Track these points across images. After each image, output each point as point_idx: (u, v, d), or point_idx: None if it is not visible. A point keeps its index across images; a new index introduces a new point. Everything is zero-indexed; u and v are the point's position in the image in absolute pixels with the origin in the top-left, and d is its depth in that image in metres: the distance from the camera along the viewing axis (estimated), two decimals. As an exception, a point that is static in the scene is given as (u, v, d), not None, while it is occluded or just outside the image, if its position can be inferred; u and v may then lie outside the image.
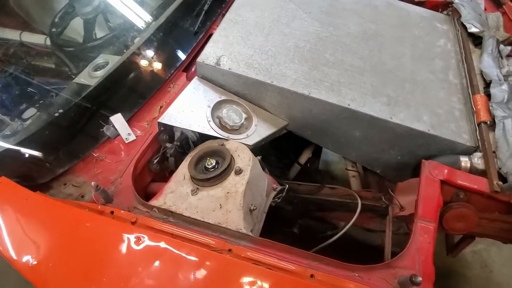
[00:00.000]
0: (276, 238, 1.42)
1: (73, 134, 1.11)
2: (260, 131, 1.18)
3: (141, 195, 1.00)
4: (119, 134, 1.11)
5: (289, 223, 1.48)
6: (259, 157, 1.14)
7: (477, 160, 1.05)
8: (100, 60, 1.37)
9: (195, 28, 1.44)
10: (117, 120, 1.11)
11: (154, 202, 0.93)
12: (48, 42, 1.64)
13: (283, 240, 1.42)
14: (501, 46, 1.46)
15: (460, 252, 1.42)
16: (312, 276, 0.76)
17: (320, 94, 1.15)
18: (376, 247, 1.44)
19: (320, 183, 1.44)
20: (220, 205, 0.89)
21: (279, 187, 1.16)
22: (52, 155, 1.05)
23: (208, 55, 1.20)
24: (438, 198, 0.95)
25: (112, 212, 0.89)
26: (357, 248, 1.46)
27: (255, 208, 0.92)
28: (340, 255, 0.99)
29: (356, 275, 0.79)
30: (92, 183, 0.88)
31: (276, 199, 1.17)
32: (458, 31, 1.51)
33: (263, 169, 1.17)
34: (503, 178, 0.98)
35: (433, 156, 1.15)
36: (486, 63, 1.28)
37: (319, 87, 1.17)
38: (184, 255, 0.78)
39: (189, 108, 1.11)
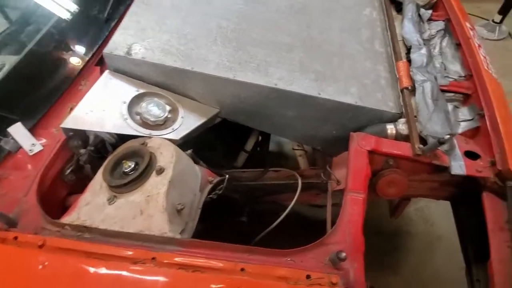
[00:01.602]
0: (225, 229, 1.39)
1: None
2: (188, 123, 1.10)
3: (55, 211, 0.89)
4: (21, 146, 0.96)
5: (238, 212, 1.45)
6: (189, 151, 1.07)
7: (402, 126, 1.08)
8: (-6, 62, 1.17)
9: (105, 15, 1.28)
10: (17, 131, 0.96)
11: (66, 219, 0.83)
12: None
13: (231, 231, 1.40)
14: (422, 10, 1.49)
15: (401, 213, 1.50)
16: (242, 269, 0.73)
17: (246, 76, 1.09)
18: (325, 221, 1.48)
19: (271, 166, 1.41)
20: (141, 210, 0.81)
21: (217, 179, 1.10)
22: None
23: (117, 44, 1.07)
24: (366, 168, 0.96)
25: (16, 238, 0.77)
26: (308, 225, 1.49)
27: (183, 207, 0.85)
28: (290, 235, 0.97)
29: (289, 259, 0.77)
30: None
31: (217, 191, 1.12)
32: (382, -1, 1.52)
33: (197, 163, 1.10)
34: (424, 141, 1.01)
35: (364, 127, 1.16)
36: (407, 28, 1.31)
37: (244, 69, 1.11)
38: (99, 271, 0.70)
39: (100, 107, 0.99)
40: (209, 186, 1.06)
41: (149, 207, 0.81)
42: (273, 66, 1.14)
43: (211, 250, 0.77)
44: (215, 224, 1.36)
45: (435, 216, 1.96)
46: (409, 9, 1.36)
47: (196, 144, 1.33)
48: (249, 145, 1.55)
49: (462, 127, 1.17)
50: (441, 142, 0.94)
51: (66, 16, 1.32)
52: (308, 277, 0.73)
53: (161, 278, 0.71)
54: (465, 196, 1.15)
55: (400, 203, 1.42)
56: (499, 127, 1.05)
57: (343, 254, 0.71)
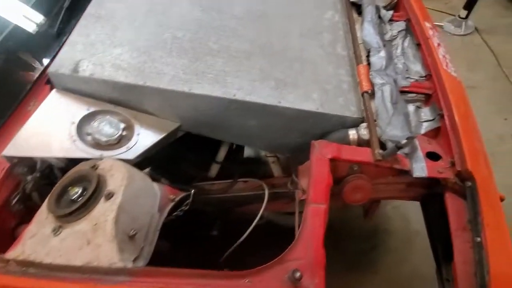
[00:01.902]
0: (195, 244, 1.35)
1: None
2: (144, 140, 1.05)
3: (5, 244, 0.83)
4: (-40, 177, 0.89)
5: (208, 226, 1.42)
6: (147, 170, 1.03)
7: (363, 130, 1.07)
8: None
9: (55, 29, 1.22)
10: (-46, 160, 0.89)
11: (10, 254, 0.77)
12: None
13: (202, 246, 1.36)
14: (383, 11, 1.50)
15: (373, 215, 1.51)
16: (197, 296, 0.70)
17: (203, 88, 1.05)
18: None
19: (240, 177, 1.38)
20: (88, 241, 0.76)
21: (180, 196, 1.06)
22: None
23: (63, 61, 1.01)
24: (327, 178, 0.95)
25: (-50, 280, 0.71)
26: (283, 233, 1.47)
27: (135, 232, 0.81)
28: (265, 245, 0.94)
29: (247, 281, 0.74)
30: None
31: (183, 207, 1.09)
32: (344, 1, 1.52)
33: (157, 180, 1.06)
34: (384, 146, 1.01)
35: (329, 132, 1.15)
36: (367, 31, 1.30)
37: (201, 80, 1.07)
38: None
39: (46, 130, 0.93)
40: (170, 205, 1.02)
41: (97, 236, 0.77)
42: (231, 75, 1.11)
43: (164, 277, 0.74)
44: (184, 241, 1.33)
45: (412, 213, 1.98)
46: (369, 12, 1.36)
47: (165, 157, 1.30)
48: (221, 155, 1.51)
49: (425, 127, 1.17)
50: (399, 147, 0.93)
51: (32, 28, 1.25)
52: (266, 299, 0.70)
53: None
54: (432, 196, 1.15)
55: (371, 205, 1.42)
56: (458, 127, 1.06)
57: (298, 274, 0.69)
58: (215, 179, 1.46)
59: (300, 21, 1.39)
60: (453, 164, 1.01)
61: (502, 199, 1.07)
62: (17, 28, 1.17)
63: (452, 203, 0.99)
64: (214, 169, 1.53)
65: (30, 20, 1.26)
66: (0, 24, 1.23)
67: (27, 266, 0.75)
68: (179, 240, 1.24)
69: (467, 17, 2.88)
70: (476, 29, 2.94)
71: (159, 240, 0.95)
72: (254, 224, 1.07)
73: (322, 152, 0.99)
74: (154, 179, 1.04)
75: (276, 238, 1.12)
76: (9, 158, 0.88)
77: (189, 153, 1.50)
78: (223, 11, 1.31)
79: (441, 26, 3.02)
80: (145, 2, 1.25)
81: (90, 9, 1.17)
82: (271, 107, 1.08)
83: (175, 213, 1.07)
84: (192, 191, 1.12)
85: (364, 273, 1.83)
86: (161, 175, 1.14)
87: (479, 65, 2.67)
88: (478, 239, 0.87)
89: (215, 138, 1.26)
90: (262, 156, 1.52)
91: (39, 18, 1.27)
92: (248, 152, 1.74)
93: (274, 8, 1.40)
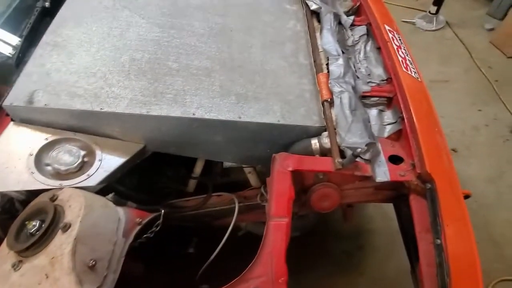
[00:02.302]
0: (171, 263, 1.34)
1: None
2: (107, 165, 1.05)
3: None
4: None
5: (185, 244, 1.41)
6: (110, 195, 1.02)
7: (325, 139, 1.08)
8: None
9: (14, 60, 1.22)
10: None
11: (-35, 296, 0.76)
12: None
13: (179, 264, 1.35)
14: (344, 17, 1.52)
15: (351, 218, 1.52)
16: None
17: (161, 110, 1.05)
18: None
19: (214, 191, 1.38)
20: (46, 275, 0.76)
21: (148, 218, 1.06)
22: None
23: (18, 93, 1.00)
24: (289, 191, 0.95)
25: None
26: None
27: (94, 262, 0.80)
28: (246, 255, 0.92)
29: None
30: None
31: (155, 228, 1.08)
32: (305, 10, 1.54)
33: (123, 204, 1.05)
34: (344, 154, 1.02)
35: (296, 141, 1.16)
36: (326, 39, 1.32)
37: (160, 101, 1.08)
38: None
39: (3, 164, 0.92)
40: (137, 228, 1.01)
41: (55, 270, 0.76)
42: (190, 94, 1.12)
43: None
44: (160, 261, 1.32)
45: (393, 211, 2.00)
46: (327, 19, 1.38)
47: (138, 176, 1.29)
48: (197, 170, 1.51)
49: (388, 130, 1.19)
50: (355, 155, 0.95)
51: (8, 51, 1.24)
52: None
53: None
54: (402, 197, 1.16)
55: (346, 210, 1.43)
56: (416, 128, 1.07)
57: (253, 294, 0.69)
58: (194, 193, 1.46)
59: (262, 33, 1.41)
60: (413, 167, 1.03)
61: (467, 196, 1.09)
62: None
63: (416, 205, 1.01)
64: (192, 184, 1.53)
65: (8, 45, 1.24)
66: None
67: (-16, 307, 0.74)
68: (154, 261, 1.23)
69: (437, 12, 2.94)
70: (447, 23, 3.00)
71: (132, 263, 0.94)
72: (225, 239, 1.07)
73: (283, 164, 1.00)
74: (119, 203, 1.03)
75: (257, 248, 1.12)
76: (-35, 196, 0.87)
77: (166, 169, 1.50)
78: (183, 28, 1.32)
79: (413, 23, 3.08)
80: (102, 25, 1.25)
81: (46, 38, 1.17)
82: (232, 122, 1.08)
83: (145, 235, 1.06)
84: (162, 211, 1.11)
85: (351, 275, 1.84)
86: (130, 197, 1.13)
87: (452, 58, 2.73)
88: (438, 241, 0.88)
89: (184, 155, 1.26)
90: (241, 166, 1.53)
91: (17, 41, 1.25)
92: (227, 163, 1.74)
93: (235, 22, 1.41)
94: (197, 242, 1.39)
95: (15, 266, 0.78)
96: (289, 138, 1.16)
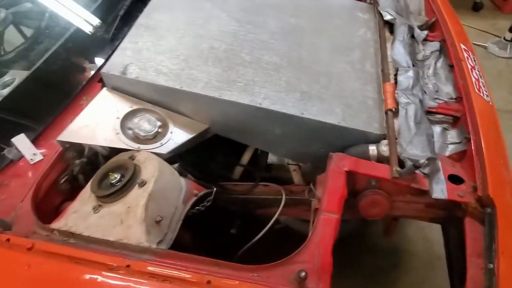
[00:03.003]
0: (214, 239, 1.43)
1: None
2: (177, 137, 1.16)
3: (50, 217, 0.97)
4: (23, 156, 1.05)
5: (229, 224, 1.49)
6: (176, 165, 1.13)
7: (384, 147, 1.08)
8: (7, 77, 1.29)
9: (110, 35, 1.39)
10: (20, 141, 1.06)
11: (55, 225, 0.90)
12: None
13: (220, 241, 1.43)
14: (417, 31, 1.50)
15: (392, 233, 1.49)
16: (208, 282, 0.77)
17: (231, 95, 1.14)
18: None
19: (262, 180, 1.45)
20: (121, 220, 0.87)
21: (202, 192, 1.15)
22: None
23: (114, 64, 1.16)
24: (342, 189, 0.98)
25: (8, 240, 0.85)
26: (299, 238, 1.50)
27: (161, 219, 0.91)
28: (279, 248, 0.98)
29: (255, 275, 0.80)
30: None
31: (205, 203, 1.17)
32: (378, 20, 1.54)
33: (184, 176, 1.16)
34: (403, 163, 1.02)
35: (351, 145, 1.18)
36: (397, 50, 1.32)
37: (231, 88, 1.17)
38: (77, 275, 0.76)
39: (95, 122, 1.07)
40: (193, 199, 1.11)
41: (129, 218, 0.87)
42: (259, 85, 1.19)
43: (182, 261, 0.82)
44: (204, 235, 1.41)
45: (436, 236, 1.90)
46: (401, 31, 1.38)
47: (195, 155, 1.40)
48: (245, 158, 1.59)
49: (450, 150, 1.16)
50: (417, 166, 0.94)
51: (89, 29, 1.44)
52: (271, 294, 0.75)
53: (132, 285, 0.76)
54: (453, 219, 1.13)
55: (390, 223, 1.41)
56: (483, 152, 1.04)
57: (303, 273, 0.73)
58: (238, 181, 1.54)
59: (331, 37, 1.44)
60: (475, 189, 0.99)
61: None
62: (78, 31, 1.35)
63: (471, 228, 0.98)
64: (238, 172, 1.61)
65: (90, 24, 1.45)
66: (63, 26, 1.43)
67: (68, 237, 0.87)
68: (199, 233, 1.32)
69: (512, 39, 2.74)
70: (522, 52, 2.78)
71: (182, 230, 1.04)
72: (269, 225, 1.12)
73: (339, 164, 1.02)
74: (181, 174, 1.14)
75: (292, 243, 1.16)
76: (62, 143, 1.03)
77: (217, 154, 1.60)
78: (258, 25, 1.41)
79: (485, 47, 2.89)
80: (188, 14, 1.38)
81: (140, 19, 1.32)
82: (294, 117, 1.14)
83: (198, 207, 1.16)
84: (214, 189, 1.20)
85: (381, 289, 1.79)
86: (189, 171, 1.24)
87: (525, 89, 2.52)
88: (491, 265, 0.85)
89: (242, 142, 1.34)
90: (284, 164, 1.58)
91: (97, 22, 1.45)
92: (271, 158, 1.80)
93: (307, 23, 1.47)
94: (240, 225, 1.46)
95: (95, 209, 0.91)
96: (347, 141, 1.18)
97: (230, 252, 1.28)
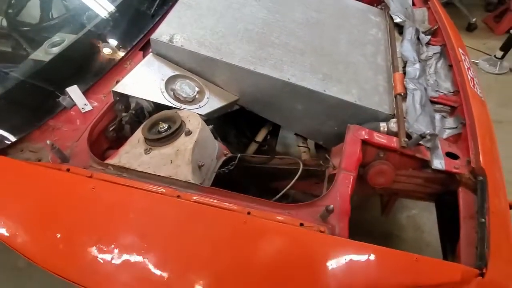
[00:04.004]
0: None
1: (29, 104, 1.15)
2: (211, 103, 1.30)
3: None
4: (75, 104, 1.17)
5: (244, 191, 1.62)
6: (210, 126, 1.27)
7: (393, 124, 1.25)
8: (56, 38, 1.41)
9: (152, 11, 1.53)
10: (73, 91, 1.18)
11: (109, 161, 1.02)
12: (4, 23, 1.64)
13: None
14: (422, 35, 1.71)
15: (390, 210, 1.65)
16: (249, 213, 0.90)
17: (264, 69, 1.30)
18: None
19: (277, 154, 1.59)
20: (171, 160, 1.00)
21: (230, 155, 1.29)
22: (8, 123, 1.09)
23: (162, 33, 1.30)
24: (359, 154, 1.14)
25: (68, 169, 0.96)
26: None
27: (203, 164, 1.04)
28: None
29: (287, 212, 0.94)
30: (48, 141, 0.95)
31: (230, 166, 1.30)
32: (388, 22, 1.74)
33: (215, 138, 1.29)
34: (410, 137, 1.19)
35: (361, 124, 1.34)
36: (406, 47, 1.51)
37: (264, 64, 1.32)
38: (137, 198, 0.88)
39: (144, 80, 1.20)
40: (223, 157, 1.24)
41: (178, 159, 1.00)
42: (287, 65, 1.35)
43: (224, 196, 0.95)
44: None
45: (427, 224, 2.08)
46: (409, 32, 1.58)
47: (216, 125, 1.54)
48: (260, 136, 1.74)
49: (447, 133, 1.34)
50: (422, 136, 1.11)
51: (104, 14, 1.53)
52: (301, 224, 0.89)
53: (184, 209, 0.88)
54: (446, 195, 1.30)
55: (389, 200, 1.57)
56: (476, 133, 1.22)
57: (331, 206, 0.88)
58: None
59: (348, 32, 1.63)
60: (469, 163, 1.17)
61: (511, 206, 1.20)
62: (123, 4, 1.49)
63: (464, 196, 1.14)
64: (252, 148, 1.75)
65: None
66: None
67: (122, 171, 0.99)
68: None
69: (502, 57, 3.01)
70: (511, 70, 3.05)
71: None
72: (284, 191, 1.25)
73: (356, 133, 1.19)
74: (214, 135, 1.27)
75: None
76: (115, 94, 1.15)
77: (235, 129, 1.75)
78: (286, 15, 1.58)
79: (476, 63, 3.16)
80: (224, 0, 1.54)
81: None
82: (317, 93, 1.30)
83: (223, 168, 1.29)
84: (238, 155, 1.34)
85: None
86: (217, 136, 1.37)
87: (511, 102, 2.77)
88: (482, 219, 1.01)
89: (263, 116, 1.48)
90: (293, 148, 1.72)
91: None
92: (279, 147, 1.95)
93: (328, 18, 1.65)
94: (255, 194, 1.59)
95: (147, 150, 1.03)
96: (359, 120, 1.34)
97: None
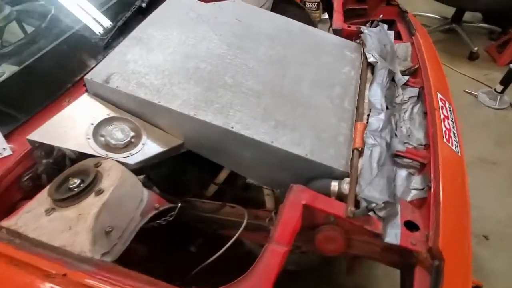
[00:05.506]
0: (172, 254, 1.42)
1: None
2: (147, 149, 1.18)
3: (6, 212, 0.98)
4: (-8, 149, 1.08)
5: (190, 241, 1.49)
6: (141, 177, 1.15)
7: (345, 185, 1.10)
8: (-2, 70, 1.34)
9: (104, 42, 1.45)
10: (-7, 134, 1.09)
11: (4, 223, 0.91)
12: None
13: (178, 258, 1.42)
14: (399, 76, 1.56)
15: (353, 271, 1.48)
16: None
17: (206, 116, 1.18)
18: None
19: (231, 201, 1.46)
20: (70, 227, 0.88)
21: (164, 207, 1.16)
22: None
23: (99, 72, 1.20)
24: (296, 222, 0.99)
25: None
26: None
27: (111, 229, 0.91)
28: (241, 273, 0.98)
29: (192, 299, 0.80)
30: None
31: (168, 217, 1.18)
32: (362, 60, 1.60)
33: (149, 188, 1.17)
34: (359, 204, 1.03)
35: (317, 178, 1.20)
36: (374, 91, 1.37)
37: (208, 108, 1.20)
38: (12, 278, 0.76)
39: (69, 125, 1.10)
40: (153, 212, 1.11)
41: (78, 225, 0.88)
42: (235, 109, 1.23)
43: (119, 277, 0.82)
44: (162, 249, 1.41)
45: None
46: (380, 74, 1.43)
47: (169, 167, 1.42)
48: (221, 176, 1.61)
49: (412, 195, 1.18)
50: (369, 209, 0.96)
51: (99, 30, 1.50)
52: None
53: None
54: (407, 266, 1.13)
55: (351, 261, 1.41)
56: (440, 202, 1.06)
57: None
58: (211, 199, 1.55)
59: (316, 71, 1.50)
60: (427, 239, 1.00)
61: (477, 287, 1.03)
62: (74, 35, 1.41)
63: (419, 279, 0.97)
64: (211, 190, 1.62)
65: (100, 25, 1.50)
66: (62, 29, 1.48)
67: (15, 236, 0.88)
68: (156, 247, 1.32)
69: (503, 92, 2.81)
70: (511, 105, 2.85)
71: (136, 243, 1.04)
72: (224, 248, 1.13)
73: (297, 196, 1.04)
74: (146, 186, 1.15)
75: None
76: (32, 142, 1.05)
77: (194, 169, 1.62)
78: (247, 51, 1.46)
79: (475, 95, 2.96)
80: (182, 33, 1.44)
81: (134, 32, 1.38)
82: (263, 144, 1.17)
83: (158, 221, 1.16)
84: (179, 204, 1.21)
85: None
86: (156, 184, 1.25)
87: (509, 142, 2.56)
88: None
89: (214, 160, 1.36)
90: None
91: (108, 24, 1.49)
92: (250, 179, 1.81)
93: (297, 55, 1.52)
94: (201, 244, 1.46)
95: (48, 212, 0.92)
96: (312, 174, 1.20)
97: (185, 271, 1.27)
